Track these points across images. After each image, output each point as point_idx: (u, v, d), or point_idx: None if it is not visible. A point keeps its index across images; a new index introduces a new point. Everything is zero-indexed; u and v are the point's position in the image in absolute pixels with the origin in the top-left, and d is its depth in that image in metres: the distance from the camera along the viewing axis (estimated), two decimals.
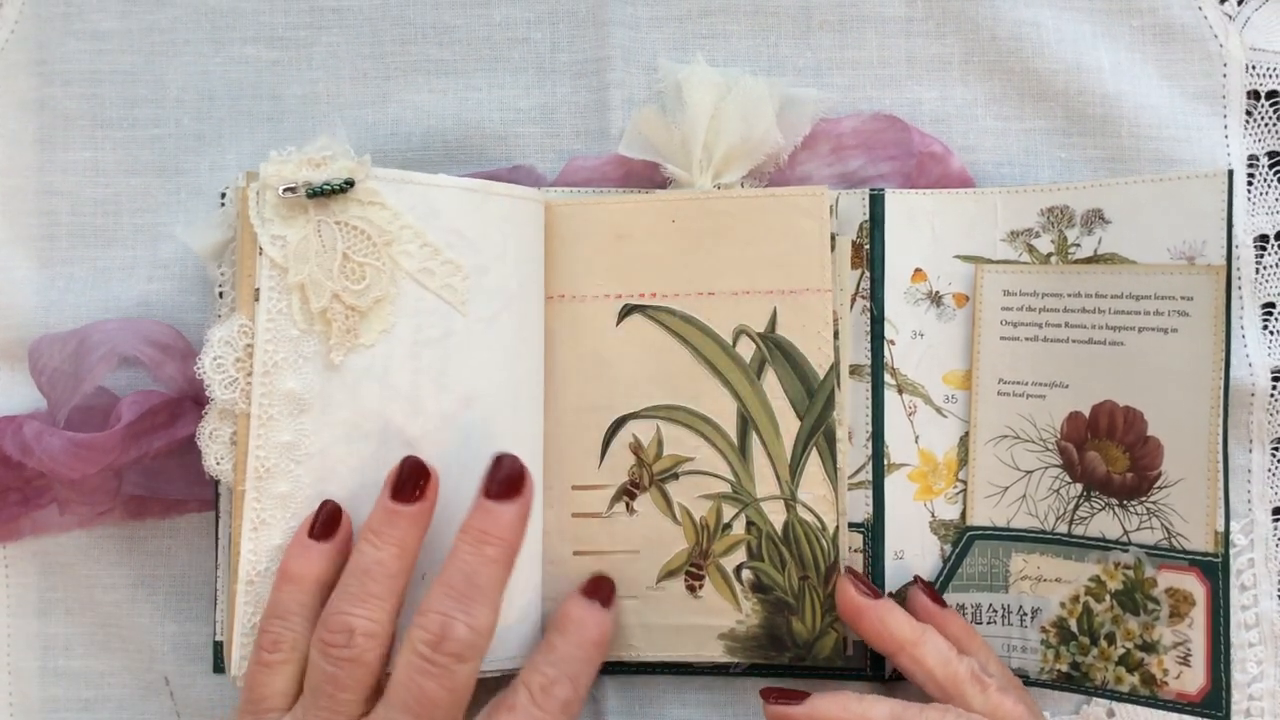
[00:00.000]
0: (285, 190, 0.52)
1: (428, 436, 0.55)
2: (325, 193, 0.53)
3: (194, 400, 0.57)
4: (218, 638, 0.59)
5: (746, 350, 0.57)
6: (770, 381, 0.57)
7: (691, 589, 0.57)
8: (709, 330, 0.58)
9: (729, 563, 0.57)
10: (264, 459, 0.52)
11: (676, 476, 0.58)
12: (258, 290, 0.53)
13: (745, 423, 0.57)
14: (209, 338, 0.53)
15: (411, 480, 0.52)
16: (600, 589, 0.56)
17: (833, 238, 0.57)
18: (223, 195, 0.60)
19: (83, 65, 0.62)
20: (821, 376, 0.57)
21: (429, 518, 0.52)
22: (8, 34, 0.62)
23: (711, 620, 0.57)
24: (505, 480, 0.51)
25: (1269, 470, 0.60)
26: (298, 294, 0.53)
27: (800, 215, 0.57)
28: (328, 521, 0.52)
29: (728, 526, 0.57)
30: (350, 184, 0.53)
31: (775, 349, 0.57)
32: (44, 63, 0.62)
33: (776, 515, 0.57)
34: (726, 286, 0.57)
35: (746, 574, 0.57)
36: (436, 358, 0.55)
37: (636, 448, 0.58)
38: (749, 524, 0.57)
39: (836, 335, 0.57)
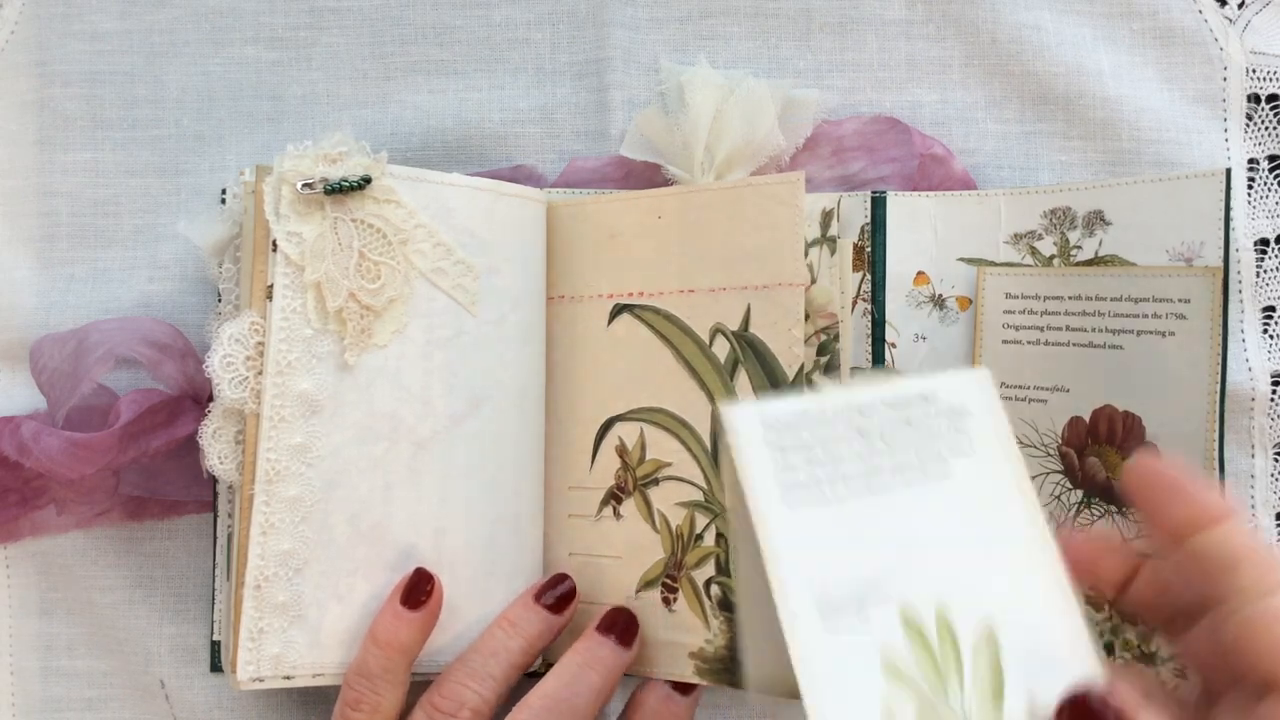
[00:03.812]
0: (303, 186, 0.52)
1: (437, 438, 0.55)
2: (343, 189, 0.52)
3: (193, 399, 0.57)
4: (215, 637, 0.59)
5: (722, 350, 0.56)
6: (742, 383, 0.56)
7: (666, 601, 0.56)
8: (688, 329, 0.57)
9: (700, 576, 0.56)
10: (274, 461, 0.52)
11: (657, 482, 0.57)
12: (270, 288, 0.52)
13: (719, 427, 0.56)
14: (218, 335, 0.52)
15: (562, 598, 0.56)
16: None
17: (834, 240, 0.57)
18: (223, 193, 0.60)
19: (83, 66, 0.62)
20: (790, 378, 0.55)
21: (563, 628, 0.55)
22: (8, 34, 0.62)
23: (683, 637, 0.56)
24: (624, 628, 0.55)
25: (1271, 475, 0.60)
26: (313, 292, 0.52)
27: (775, 204, 0.55)
28: (421, 589, 0.53)
29: (699, 537, 0.56)
30: (367, 181, 0.53)
31: (748, 348, 0.56)
32: (44, 63, 0.62)
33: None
34: (706, 283, 0.56)
35: (715, 589, 0.55)
36: (447, 358, 0.55)
37: (622, 451, 0.58)
38: (718, 536, 0.56)
39: (836, 339, 0.57)
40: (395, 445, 0.54)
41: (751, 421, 0.44)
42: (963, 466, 0.43)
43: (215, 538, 0.59)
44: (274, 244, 0.52)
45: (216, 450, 0.53)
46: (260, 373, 0.52)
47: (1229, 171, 0.54)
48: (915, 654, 0.41)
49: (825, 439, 0.44)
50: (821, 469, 0.44)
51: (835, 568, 0.42)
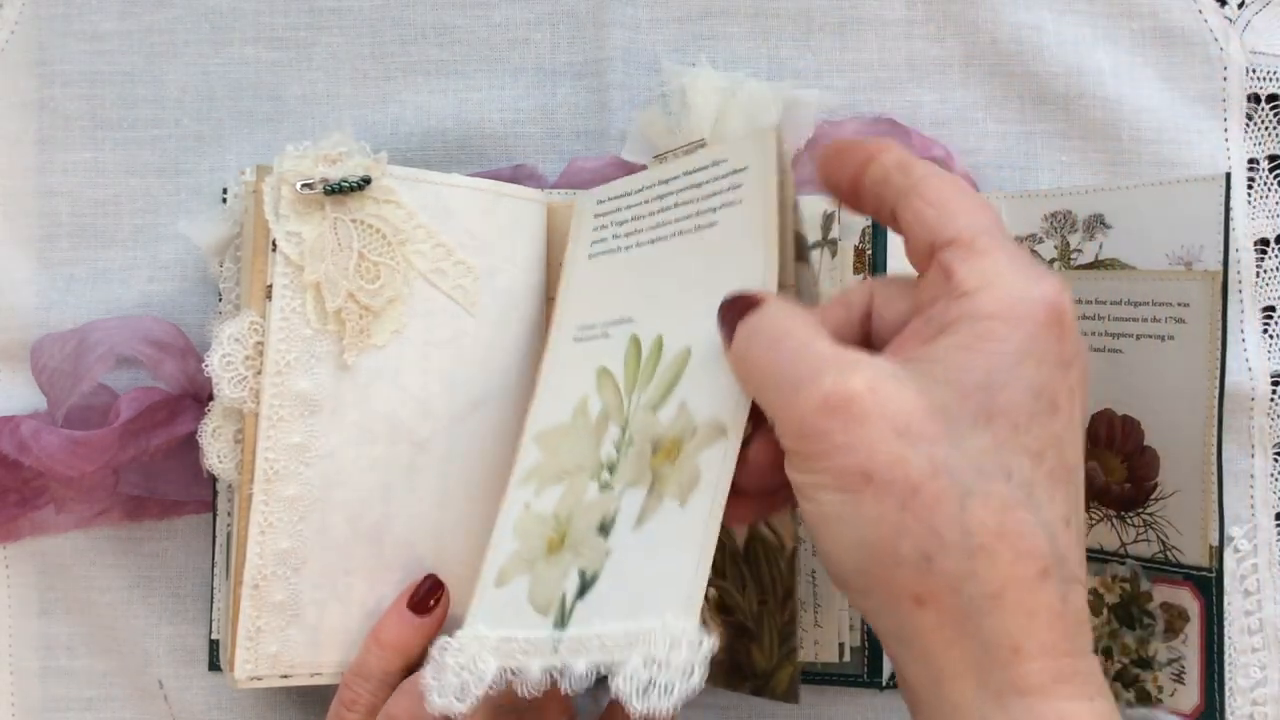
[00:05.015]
0: (303, 186, 0.52)
1: (437, 438, 0.55)
2: (343, 189, 0.52)
3: (193, 398, 0.57)
4: (214, 636, 0.59)
5: None
6: None
7: None
8: None
9: None
10: (273, 461, 0.52)
11: None
12: (270, 287, 0.52)
13: None
14: (218, 334, 0.52)
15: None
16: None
17: (835, 243, 0.57)
18: (224, 193, 0.60)
19: (83, 66, 0.62)
20: None
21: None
22: (8, 34, 0.62)
23: None
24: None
25: (1271, 475, 0.60)
26: (312, 292, 0.52)
27: None
28: (428, 596, 0.54)
29: None
30: (367, 181, 0.53)
31: None
32: (44, 63, 0.62)
33: (740, 530, 0.54)
34: None
35: (712, 592, 0.55)
36: (446, 359, 0.55)
37: None
38: None
39: None
40: (394, 446, 0.54)
41: (589, 201, 0.55)
42: (727, 215, 0.48)
43: (215, 537, 0.59)
44: (273, 244, 0.52)
45: (216, 449, 0.53)
46: (259, 372, 0.52)
47: (1229, 175, 0.54)
48: (626, 363, 0.49)
49: (634, 206, 0.52)
50: (621, 229, 0.53)
51: (602, 302, 0.52)
